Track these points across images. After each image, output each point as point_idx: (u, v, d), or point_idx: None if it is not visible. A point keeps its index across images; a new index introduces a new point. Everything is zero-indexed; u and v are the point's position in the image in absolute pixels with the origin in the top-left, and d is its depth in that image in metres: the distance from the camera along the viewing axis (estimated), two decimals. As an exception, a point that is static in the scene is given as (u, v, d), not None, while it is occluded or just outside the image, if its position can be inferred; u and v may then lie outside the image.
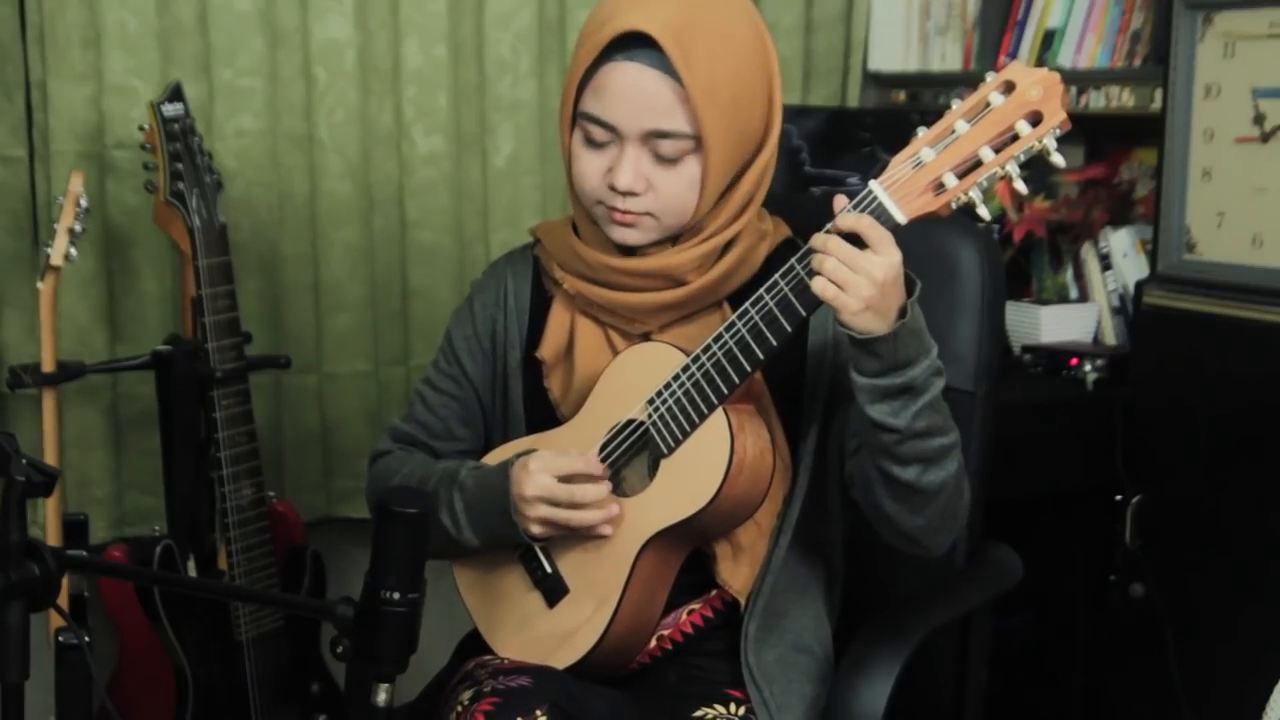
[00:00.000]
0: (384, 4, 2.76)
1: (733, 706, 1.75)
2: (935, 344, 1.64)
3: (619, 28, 1.68)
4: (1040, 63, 3.00)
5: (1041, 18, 3.03)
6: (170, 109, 2.37)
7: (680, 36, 1.66)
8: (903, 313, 1.58)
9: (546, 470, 1.72)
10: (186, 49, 2.64)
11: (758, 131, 1.75)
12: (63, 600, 2.20)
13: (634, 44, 1.68)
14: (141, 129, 2.40)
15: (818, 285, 1.57)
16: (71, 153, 2.56)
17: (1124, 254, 2.86)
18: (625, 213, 1.74)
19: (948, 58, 3.25)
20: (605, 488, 1.73)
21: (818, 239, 1.58)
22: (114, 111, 2.58)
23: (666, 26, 1.66)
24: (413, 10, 2.79)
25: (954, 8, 3.24)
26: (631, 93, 1.70)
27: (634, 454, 1.76)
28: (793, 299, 1.63)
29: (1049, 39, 3.01)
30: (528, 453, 1.76)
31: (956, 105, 1.57)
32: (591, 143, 1.75)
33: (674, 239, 1.79)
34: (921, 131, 1.58)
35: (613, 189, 1.73)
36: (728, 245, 1.79)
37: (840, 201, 1.60)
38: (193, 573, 2.45)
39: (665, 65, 1.67)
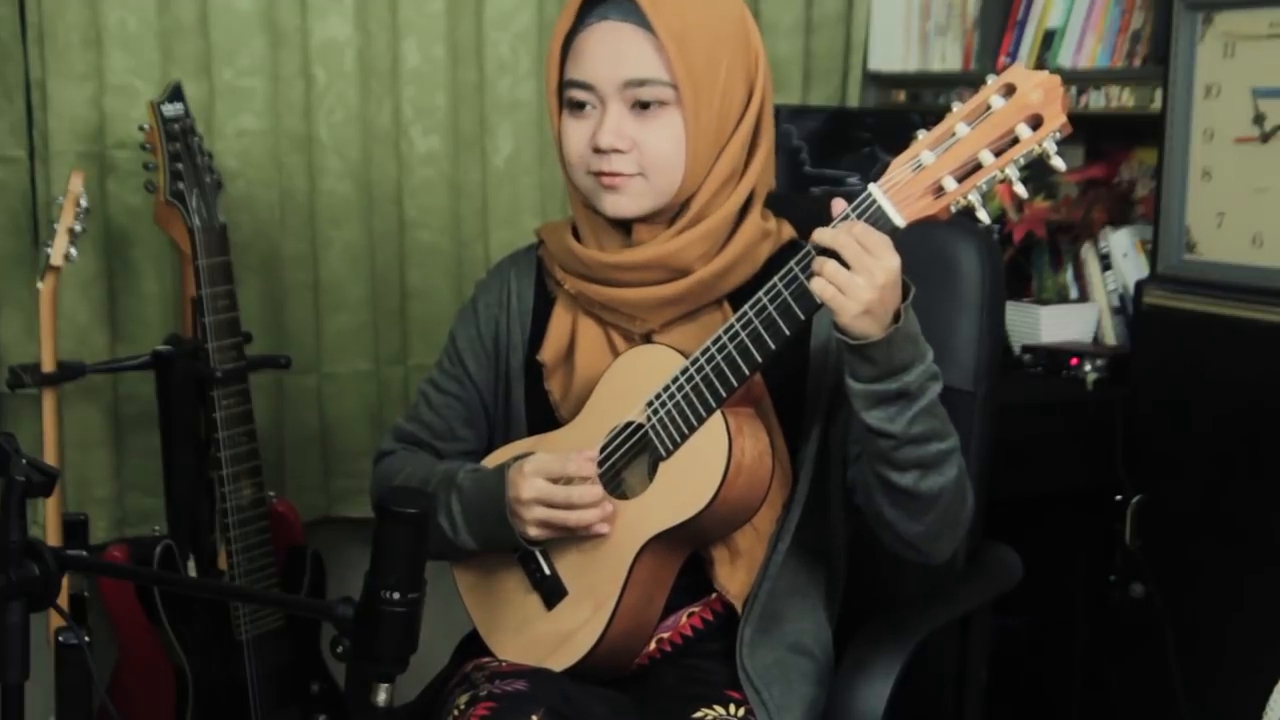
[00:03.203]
0: (383, 4, 2.77)
1: (732, 708, 1.75)
2: (931, 349, 1.64)
3: None
4: (1040, 63, 3.00)
5: (1041, 18, 3.03)
6: (170, 109, 2.37)
7: None
8: (897, 317, 1.58)
9: (542, 473, 1.72)
10: (187, 49, 2.64)
11: (740, 98, 1.76)
12: (63, 600, 2.20)
13: (606, 3, 1.73)
14: (141, 129, 2.40)
15: (816, 286, 1.57)
16: (71, 153, 2.56)
17: (1124, 254, 2.86)
18: (613, 175, 1.75)
19: (948, 58, 3.25)
20: (600, 488, 1.73)
21: (820, 234, 1.58)
22: (114, 111, 2.58)
23: None
24: (412, 10, 2.79)
25: (954, 8, 3.24)
26: (606, 47, 1.73)
27: (633, 456, 1.76)
28: (791, 303, 1.62)
29: (1049, 39, 3.01)
30: (524, 456, 1.76)
31: (957, 108, 1.57)
32: (575, 109, 1.77)
33: (669, 222, 1.79)
34: (922, 134, 1.58)
35: (598, 150, 1.75)
36: (730, 237, 1.79)
37: (838, 204, 1.60)
38: (193, 573, 2.45)
39: (637, 17, 1.71)
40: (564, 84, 1.78)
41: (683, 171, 1.75)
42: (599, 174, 1.76)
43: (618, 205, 1.77)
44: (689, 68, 1.71)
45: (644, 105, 1.73)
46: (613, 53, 1.73)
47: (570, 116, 1.78)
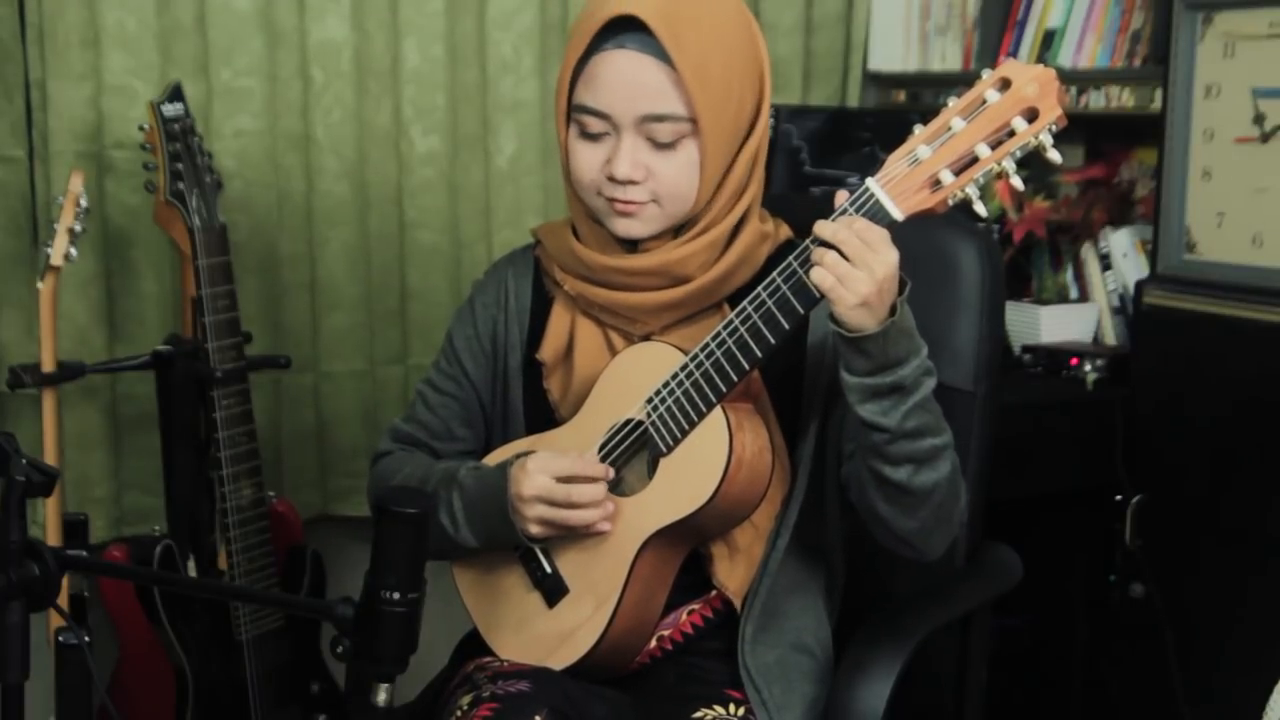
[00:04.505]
0: (382, 4, 2.76)
1: (732, 707, 1.75)
2: (925, 344, 1.64)
3: (609, 13, 1.70)
4: (1040, 62, 2.99)
5: (1041, 18, 3.03)
6: (170, 109, 2.37)
7: (669, 19, 1.67)
8: (892, 311, 1.58)
9: (544, 470, 1.72)
10: (185, 49, 2.64)
11: (749, 116, 1.76)
12: (63, 600, 2.20)
13: (623, 31, 1.70)
14: (141, 129, 2.40)
15: (816, 275, 1.57)
16: (71, 153, 2.56)
17: (1124, 254, 2.86)
18: (627, 203, 1.74)
19: (948, 58, 3.25)
20: (602, 487, 1.73)
21: (821, 226, 1.58)
22: (114, 111, 2.58)
23: (656, 10, 1.67)
24: (411, 10, 2.79)
25: (954, 8, 3.24)
26: (624, 79, 1.70)
27: (633, 453, 1.76)
28: (790, 297, 1.63)
29: (1049, 39, 3.01)
30: (527, 453, 1.76)
31: (953, 102, 1.57)
32: (588, 135, 1.75)
33: (675, 233, 1.79)
34: (918, 128, 1.58)
35: (612, 179, 1.73)
36: (730, 242, 1.78)
37: (841, 197, 1.60)
38: (193, 573, 2.45)
39: (655, 49, 1.68)
40: (575, 106, 1.76)
41: (695, 195, 1.75)
42: (612, 200, 1.75)
43: (630, 229, 1.77)
44: (708, 101, 1.69)
45: (662, 143, 1.72)
46: (631, 84, 1.70)
47: (581, 139, 1.76)
